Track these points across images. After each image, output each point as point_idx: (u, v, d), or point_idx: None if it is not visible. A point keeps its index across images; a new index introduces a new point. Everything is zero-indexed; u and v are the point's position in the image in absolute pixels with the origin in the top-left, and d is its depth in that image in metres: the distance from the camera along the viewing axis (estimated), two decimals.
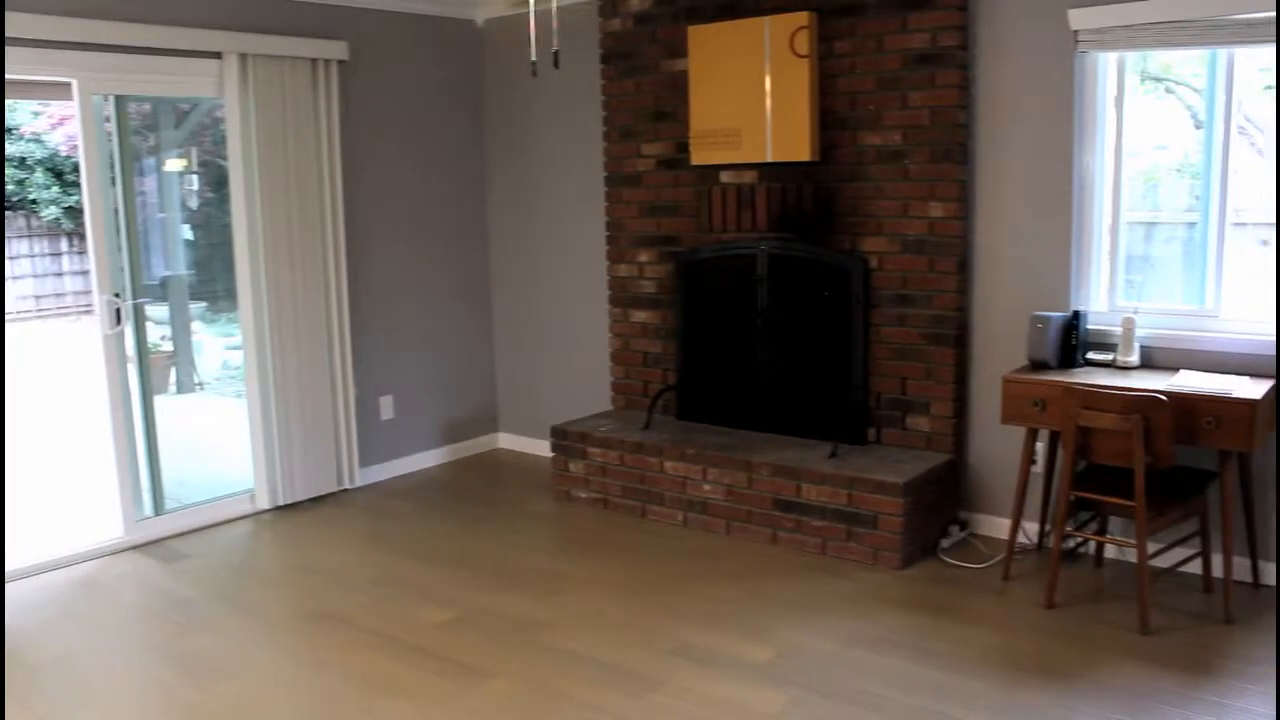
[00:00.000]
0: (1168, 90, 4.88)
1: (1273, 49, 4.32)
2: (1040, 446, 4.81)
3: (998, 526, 5.04)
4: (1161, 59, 4.76)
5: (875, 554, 4.80)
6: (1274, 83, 4.22)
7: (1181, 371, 4.44)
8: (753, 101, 5.26)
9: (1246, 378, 4.31)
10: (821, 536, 4.95)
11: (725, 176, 5.55)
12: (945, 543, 4.98)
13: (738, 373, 5.63)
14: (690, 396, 5.83)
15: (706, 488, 5.27)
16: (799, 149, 5.17)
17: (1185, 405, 4.09)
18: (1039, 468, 4.82)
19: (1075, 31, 4.63)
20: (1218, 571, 4.39)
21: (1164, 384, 4.23)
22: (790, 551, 5.01)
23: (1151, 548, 4.44)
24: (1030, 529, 4.95)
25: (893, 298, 5.11)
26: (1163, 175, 4.83)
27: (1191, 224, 4.76)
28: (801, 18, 5.09)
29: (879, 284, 5.14)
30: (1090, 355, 4.68)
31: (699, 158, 5.51)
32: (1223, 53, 4.48)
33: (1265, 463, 4.48)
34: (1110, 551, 4.80)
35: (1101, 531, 4.67)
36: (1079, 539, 4.73)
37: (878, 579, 4.69)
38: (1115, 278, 4.83)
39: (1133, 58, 4.72)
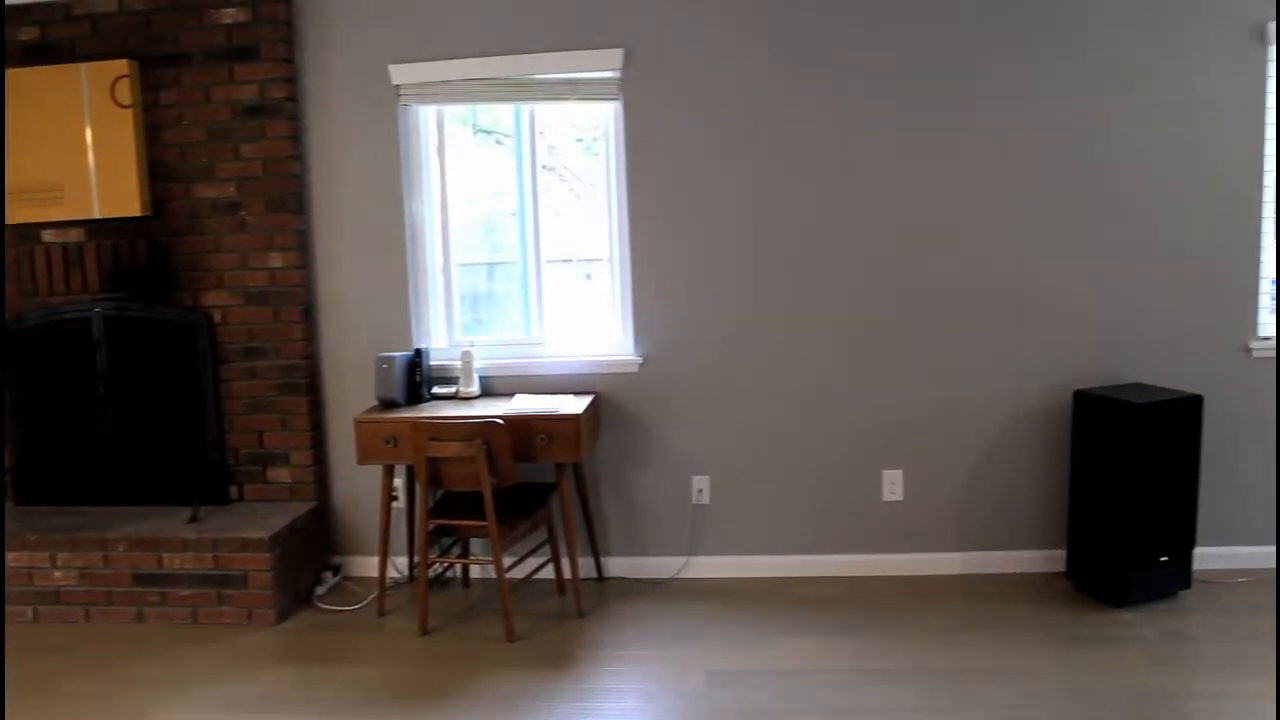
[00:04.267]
0: (498, 142, 5.30)
1: (568, 106, 4.89)
2: (399, 482, 5.01)
3: (371, 565, 5.16)
4: (491, 113, 5.16)
5: (250, 613, 4.68)
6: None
7: (517, 396, 4.85)
8: (74, 154, 4.92)
9: (571, 396, 4.82)
10: (191, 605, 4.72)
11: (48, 235, 5.12)
12: (320, 590, 4.99)
13: (83, 445, 5.20)
14: (31, 478, 5.28)
15: (58, 574, 4.81)
16: (129, 203, 4.92)
17: (521, 426, 4.46)
18: (401, 503, 5.02)
19: (397, 86, 4.89)
20: (569, 573, 4.83)
21: (501, 409, 4.59)
22: (159, 627, 4.72)
23: (509, 561, 4.79)
24: (401, 563, 5.12)
25: (241, 351, 5.03)
26: (500, 219, 5.23)
27: (526, 263, 5.18)
28: (121, 66, 4.85)
29: (225, 338, 5.04)
30: (435, 390, 4.95)
31: (15, 216, 5.02)
32: (526, 107, 4.98)
33: (595, 470, 5.03)
34: (476, 571, 5.11)
35: (464, 554, 4.95)
36: (445, 565, 4.97)
37: (255, 638, 4.57)
38: (452, 316, 5.15)
39: (458, 111, 5.07)
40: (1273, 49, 4.65)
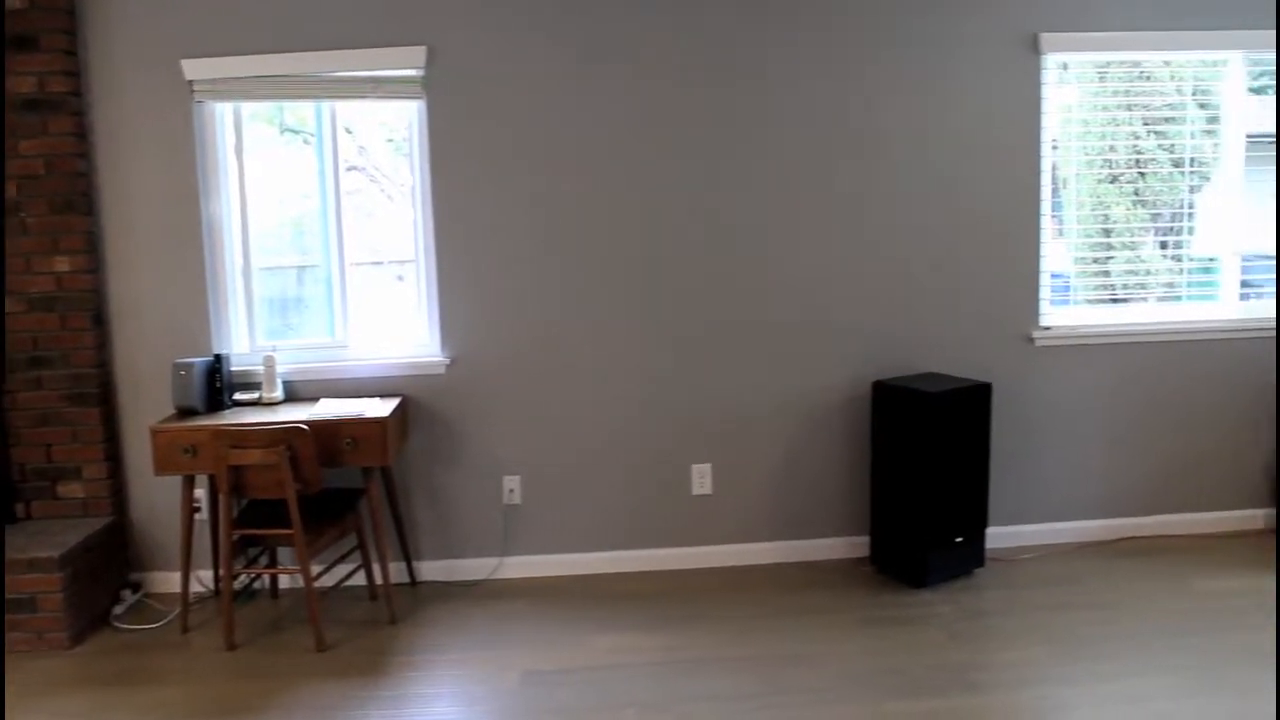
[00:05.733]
0: (305, 141, 5.16)
1: (371, 104, 4.81)
2: (201, 492, 4.83)
3: (173, 581, 4.95)
4: (298, 112, 5.02)
5: (40, 637, 4.42)
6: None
7: (322, 401, 4.73)
8: None
9: (377, 399, 4.75)
10: None
11: None
12: (119, 609, 4.75)
13: None
14: None
15: None
16: None
17: (326, 431, 4.37)
18: (204, 514, 4.84)
19: (190, 81, 4.71)
20: (381, 579, 4.74)
21: (306, 414, 4.48)
22: None
23: (318, 568, 4.68)
24: (206, 576, 4.94)
25: (26, 360, 4.74)
26: (310, 221, 5.09)
27: (330, 265, 5.07)
28: None
29: (9, 347, 4.73)
30: (237, 396, 4.79)
31: None
32: (328, 105, 4.87)
33: (404, 473, 4.97)
34: (285, 581, 4.97)
35: (272, 564, 4.80)
36: (252, 576, 4.82)
37: (47, 664, 4.32)
38: (254, 320, 5.00)
39: (261, 108, 4.92)
40: (1046, 56, 4.94)
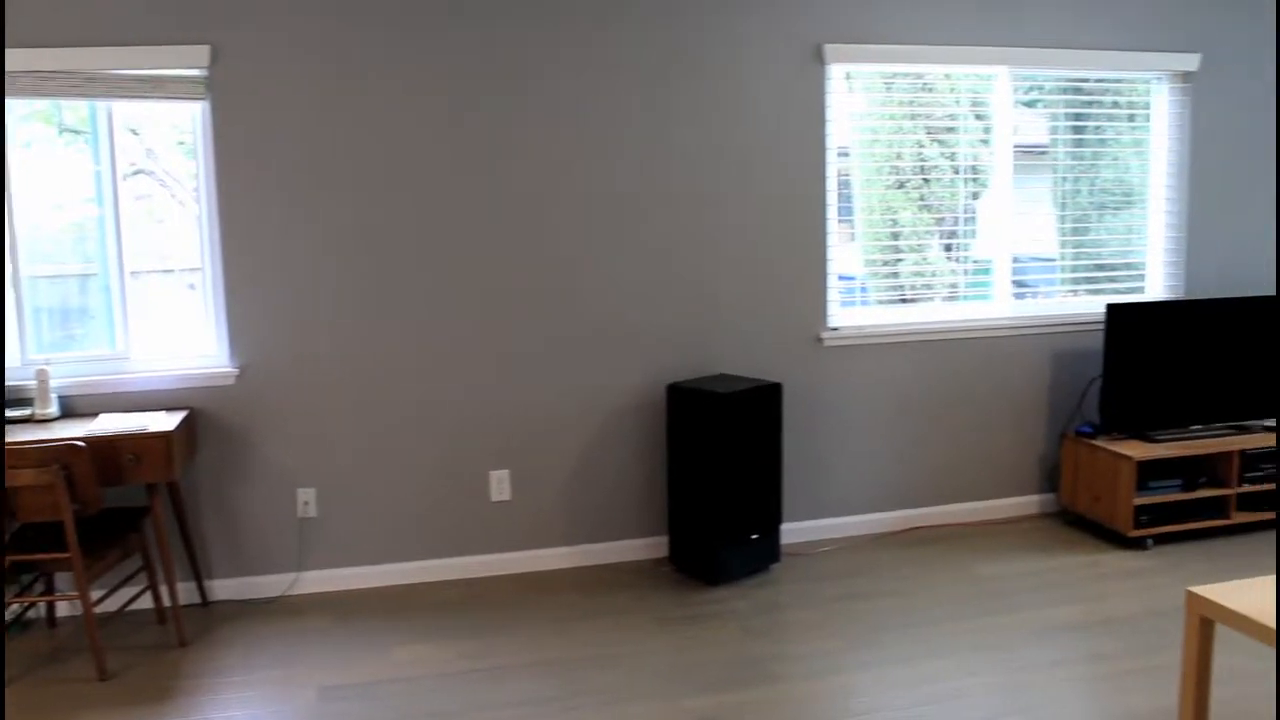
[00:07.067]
0: (87, 142, 4.90)
1: (151, 105, 4.61)
2: None
3: None
4: (79, 112, 4.75)
5: None
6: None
7: (101, 415, 4.50)
8: None
9: (162, 412, 4.55)
10: None
11: None
12: None
13: None
14: None
15: None
16: None
17: (106, 447, 4.16)
18: None
19: None
20: (169, 601, 4.56)
21: (83, 430, 4.26)
22: None
23: (99, 593, 4.46)
24: None
25: None
26: (93, 227, 4.84)
27: (110, 273, 4.84)
28: None
29: None
30: (6, 413, 4.52)
31: None
32: (104, 105, 4.64)
33: (194, 488, 4.79)
34: (63, 609, 4.70)
35: (48, 591, 4.54)
36: (25, 605, 4.55)
37: None
38: (24, 331, 4.72)
39: (38, 106, 4.64)
40: (830, 66, 5.13)
